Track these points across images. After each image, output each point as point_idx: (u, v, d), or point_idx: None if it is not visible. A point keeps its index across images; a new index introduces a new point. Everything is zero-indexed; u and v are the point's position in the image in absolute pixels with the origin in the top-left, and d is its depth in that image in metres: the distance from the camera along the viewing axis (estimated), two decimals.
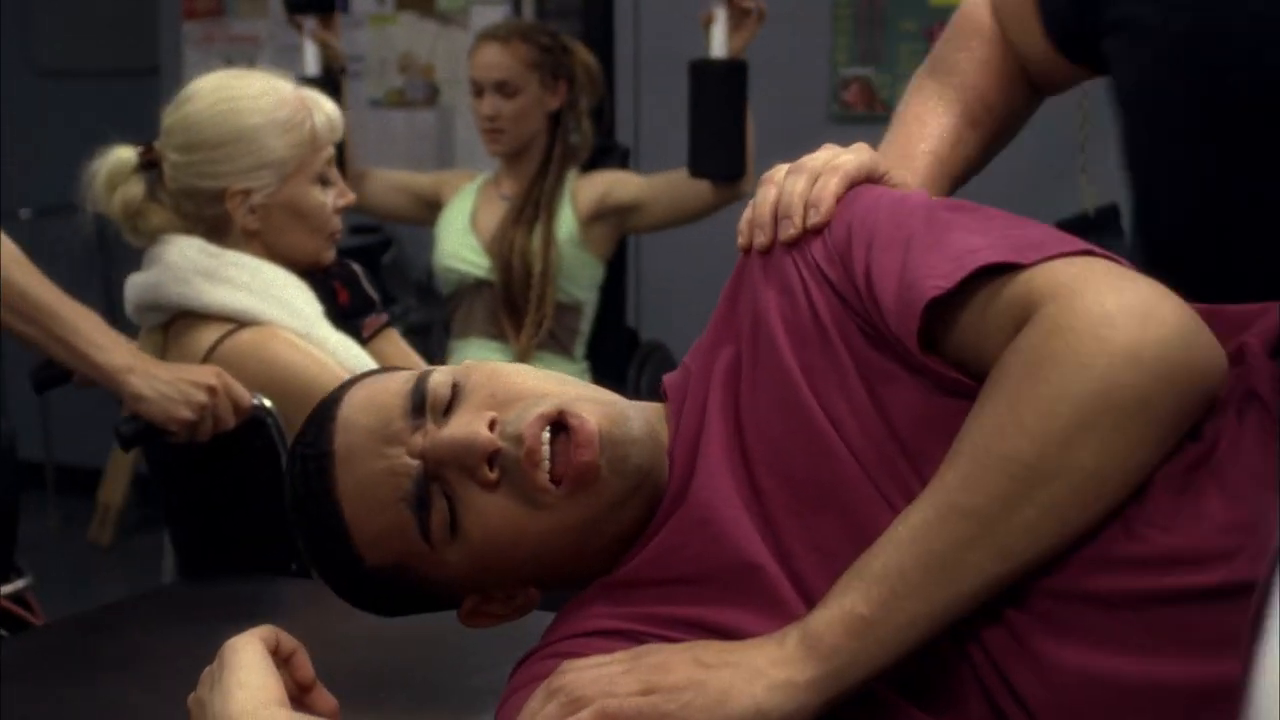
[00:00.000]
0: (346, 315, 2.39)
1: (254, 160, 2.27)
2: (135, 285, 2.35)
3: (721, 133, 3.21)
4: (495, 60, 3.50)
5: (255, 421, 2.14)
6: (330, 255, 2.39)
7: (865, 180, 1.35)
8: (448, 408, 1.29)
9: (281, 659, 1.28)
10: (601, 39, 4.03)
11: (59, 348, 2.03)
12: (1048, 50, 1.61)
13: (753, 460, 1.28)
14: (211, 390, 2.07)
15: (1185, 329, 1.13)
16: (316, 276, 2.37)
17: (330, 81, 3.37)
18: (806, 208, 1.31)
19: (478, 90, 3.54)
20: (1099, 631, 1.12)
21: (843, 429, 1.24)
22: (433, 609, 1.38)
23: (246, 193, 2.28)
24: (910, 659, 1.14)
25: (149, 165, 2.34)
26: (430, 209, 3.70)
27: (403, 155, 4.97)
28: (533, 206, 3.47)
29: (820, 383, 1.26)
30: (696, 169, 3.28)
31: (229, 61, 5.35)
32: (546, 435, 1.26)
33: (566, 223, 3.47)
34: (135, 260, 6.24)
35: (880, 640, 1.13)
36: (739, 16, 3.16)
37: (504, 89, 3.49)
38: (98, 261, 6.33)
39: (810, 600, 1.20)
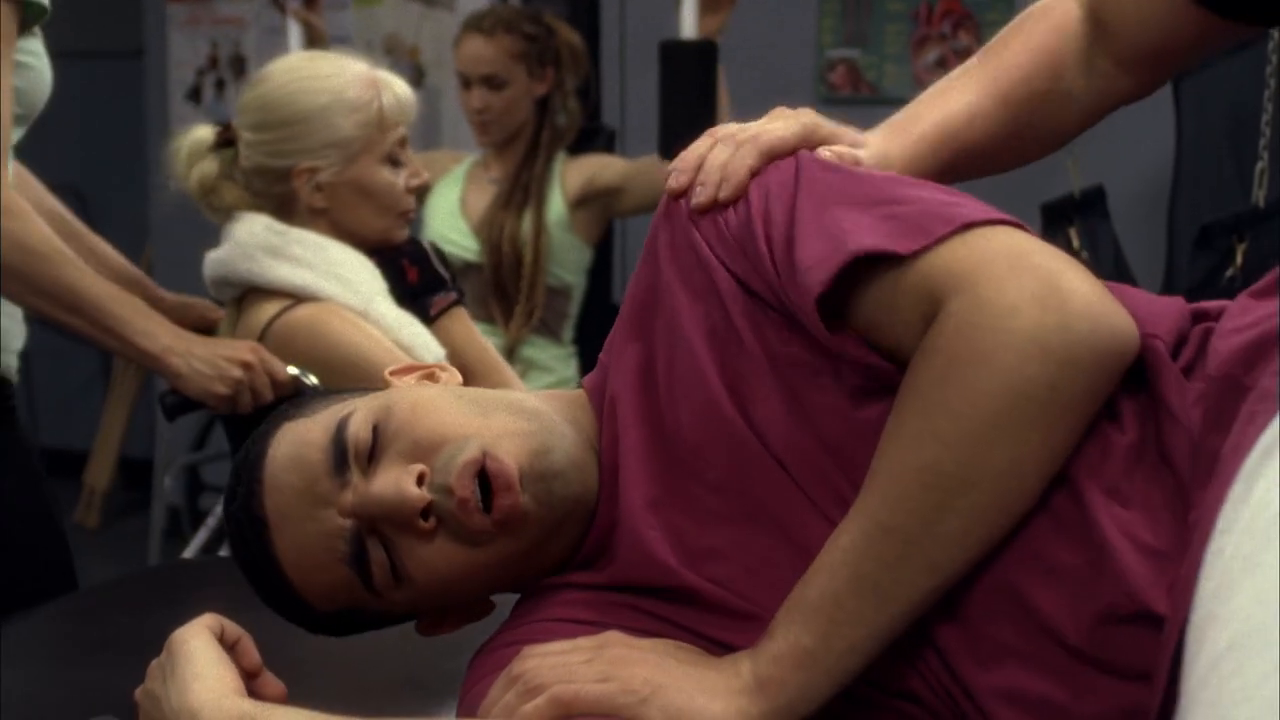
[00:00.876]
0: (415, 293, 2.41)
1: (320, 139, 2.31)
2: (210, 261, 2.40)
3: (691, 116, 3.20)
4: (481, 54, 3.49)
5: (296, 395, 2.18)
6: (402, 234, 2.43)
7: (791, 152, 1.30)
8: (371, 453, 1.27)
9: (227, 647, 1.27)
10: (587, 20, 4.03)
11: (106, 336, 2.08)
12: (1185, 15, 1.46)
13: (677, 470, 1.27)
14: (246, 366, 2.14)
15: (1089, 305, 1.11)
16: (386, 254, 2.40)
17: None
18: (720, 181, 1.28)
19: (465, 83, 3.54)
20: (1028, 656, 1.12)
21: (767, 438, 1.22)
22: (393, 624, 1.38)
23: (313, 171, 2.32)
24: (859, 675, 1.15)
25: (225, 144, 2.39)
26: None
27: None
28: (522, 190, 3.47)
29: (742, 388, 1.24)
30: (667, 153, 3.27)
31: (214, 44, 5.34)
32: (475, 491, 1.24)
33: (555, 207, 3.47)
34: (123, 242, 6.27)
35: (826, 670, 1.13)
36: None
37: (492, 82, 3.49)
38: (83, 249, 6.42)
39: (749, 609, 1.22)
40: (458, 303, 2.47)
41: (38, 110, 2.12)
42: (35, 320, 5.66)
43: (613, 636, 1.21)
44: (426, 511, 1.23)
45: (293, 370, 2.19)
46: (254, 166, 2.36)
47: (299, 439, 1.31)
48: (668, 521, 1.27)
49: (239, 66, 5.32)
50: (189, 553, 4.13)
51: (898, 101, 3.70)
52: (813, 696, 1.13)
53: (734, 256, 1.26)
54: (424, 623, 1.36)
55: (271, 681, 1.29)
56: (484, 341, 2.49)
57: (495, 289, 3.45)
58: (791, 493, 1.22)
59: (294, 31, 3.51)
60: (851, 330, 1.20)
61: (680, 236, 1.30)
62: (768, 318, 1.23)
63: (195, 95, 5.41)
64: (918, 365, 1.13)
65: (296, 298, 2.28)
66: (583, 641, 1.21)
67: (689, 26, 3.21)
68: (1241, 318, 1.16)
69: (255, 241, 2.32)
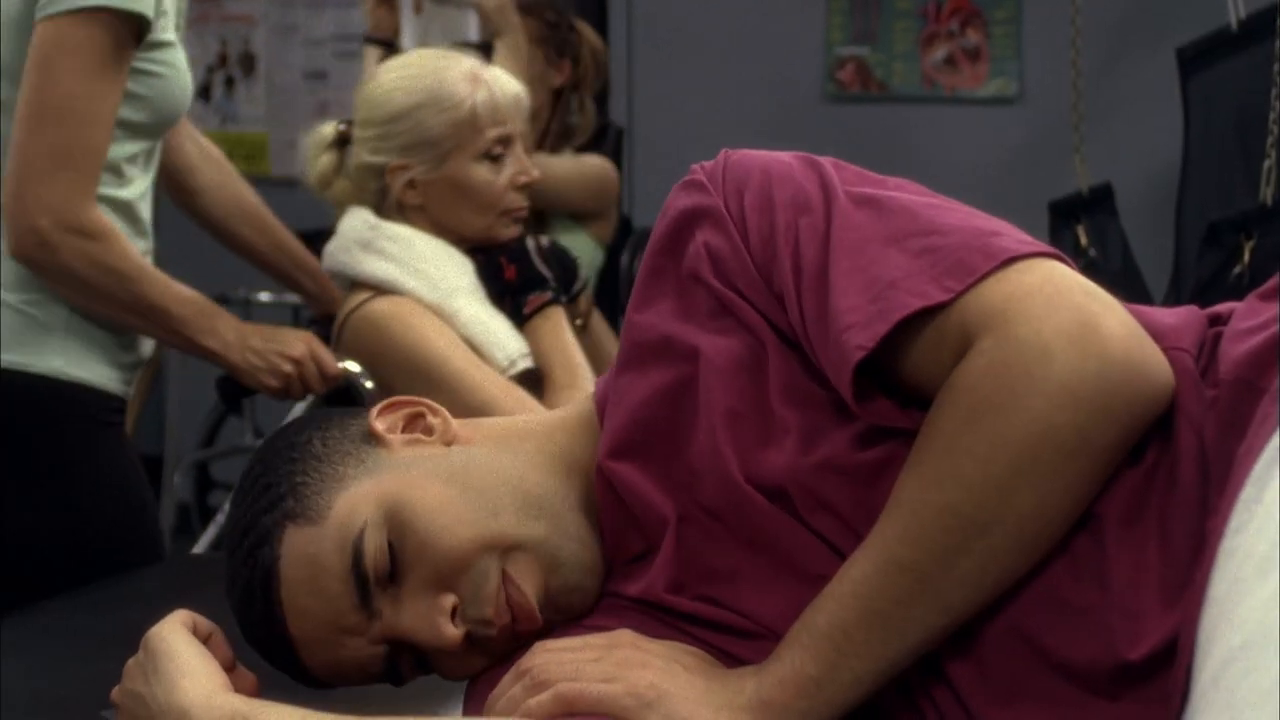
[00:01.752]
0: (513, 291, 2.44)
1: (412, 138, 2.35)
2: (324, 253, 2.49)
3: None
4: None
5: (348, 386, 2.31)
6: (508, 231, 2.45)
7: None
8: (392, 574, 1.27)
9: (200, 640, 1.28)
10: (596, 18, 4.06)
11: (174, 338, 2.20)
12: None
13: (683, 496, 1.28)
14: (297, 360, 2.24)
15: (1128, 351, 1.09)
16: (487, 252, 2.43)
17: None
18: None
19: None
20: (1042, 696, 1.12)
21: (768, 473, 1.22)
22: None
23: (405, 168, 2.36)
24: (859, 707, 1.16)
25: (342, 139, 2.45)
26: None
27: None
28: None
29: (752, 431, 1.24)
30: None
31: (223, 41, 5.37)
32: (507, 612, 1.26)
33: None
34: None
35: (829, 700, 1.13)
36: None
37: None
38: None
39: (757, 630, 1.23)
40: (553, 302, 2.48)
41: (169, 118, 2.21)
42: None
43: (623, 636, 1.22)
44: (463, 643, 1.25)
45: (345, 365, 2.27)
46: (358, 162, 2.42)
47: (312, 562, 1.28)
48: (681, 550, 1.27)
49: (248, 64, 5.38)
50: (198, 549, 4.16)
51: (906, 99, 3.74)
52: None
53: (754, 286, 1.25)
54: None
55: (244, 673, 1.30)
56: (571, 344, 2.49)
57: None
58: (791, 526, 1.22)
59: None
60: (896, 373, 1.18)
61: (689, 275, 1.29)
62: (789, 355, 1.23)
63: (205, 93, 5.45)
64: (944, 403, 1.12)
65: (379, 290, 2.34)
66: (594, 640, 1.22)
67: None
68: (1251, 319, 1.16)
69: (351, 235, 2.39)
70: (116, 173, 2.11)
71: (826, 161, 1.29)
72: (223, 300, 4.24)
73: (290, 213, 4.88)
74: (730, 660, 1.23)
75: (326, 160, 2.46)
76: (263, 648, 1.31)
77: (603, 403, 1.35)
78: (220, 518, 4.10)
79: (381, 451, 1.32)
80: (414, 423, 1.38)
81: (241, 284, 4.44)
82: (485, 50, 3.16)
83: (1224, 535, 0.97)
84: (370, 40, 3.53)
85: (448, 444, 1.35)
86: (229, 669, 1.27)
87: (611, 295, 3.70)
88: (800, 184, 1.25)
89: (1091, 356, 1.07)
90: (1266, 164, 3.33)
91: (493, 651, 1.27)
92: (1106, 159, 4.01)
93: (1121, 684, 1.08)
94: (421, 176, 2.36)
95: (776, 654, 1.16)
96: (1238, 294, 3.19)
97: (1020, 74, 4.43)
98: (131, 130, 2.11)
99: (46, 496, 2.09)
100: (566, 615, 1.29)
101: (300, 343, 2.27)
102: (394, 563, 1.25)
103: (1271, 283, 1.20)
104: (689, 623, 1.26)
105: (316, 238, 4.72)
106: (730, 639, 1.24)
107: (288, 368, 2.25)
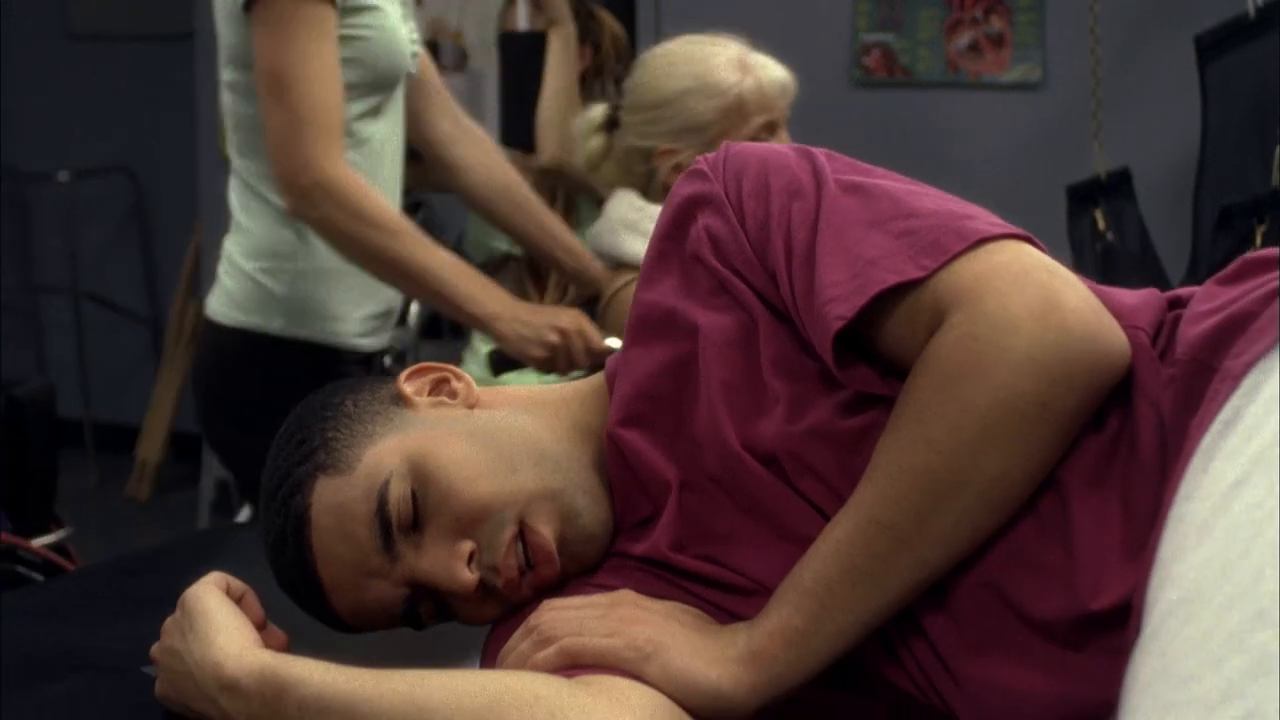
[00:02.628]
0: None
1: (679, 123, 2.42)
2: (589, 234, 2.57)
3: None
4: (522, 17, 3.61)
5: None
6: None
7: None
8: (414, 521, 1.35)
9: (234, 600, 1.36)
10: (624, 7, 4.11)
11: (438, 301, 2.33)
12: None
13: (688, 463, 1.35)
14: (563, 333, 2.31)
15: (1086, 324, 1.17)
16: None
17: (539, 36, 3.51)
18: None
19: None
20: (1013, 646, 1.19)
21: (762, 442, 1.30)
22: None
23: (672, 153, 2.42)
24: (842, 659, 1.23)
25: (612, 123, 2.52)
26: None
27: None
28: (556, 179, 3.55)
29: (749, 400, 1.32)
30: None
31: None
32: (518, 558, 1.34)
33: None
34: (173, 221, 6.40)
35: (814, 650, 1.21)
36: None
37: None
38: (133, 222, 6.53)
39: (751, 587, 1.31)
40: None
41: (387, 76, 2.36)
42: (89, 299, 5.82)
43: (625, 595, 1.30)
44: (478, 590, 1.34)
45: (610, 342, 2.31)
46: (626, 146, 2.48)
47: (341, 510, 1.37)
48: (683, 511, 1.35)
49: None
50: (239, 519, 4.26)
51: (931, 85, 3.81)
52: (799, 672, 1.21)
53: (750, 266, 1.33)
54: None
55: (274, 631, 1.38)
56: None
57: (531, 273, 3.54)
58: (782, 491, 1.30)
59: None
60: (876, 345, 1.26)
61: (692, 256, 1.37)
62: (781, 331, 1.32)
63: None
64: (919, 373, 1.20)
65: None
66: (597, 599, 1.30)
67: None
68: (1208, 303, 1.23)
69: (618, 217, 2.46)
70: (349, 133, 2.27)
71: (819, 152, 1.37)
72: None
73: None
74: (726, 616, 1.31)
75: (596, 143, 2.52)
76: (294, 592, 1.41)
77: (612, 375, 1.43)
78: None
79: (408, 411, 1.42)
80: (439, 387, 1.47)
81: None
82: (534, 41, 3.25)
83: (1174, 503, 1.05)
84: None
85: (470, 407, 1.44)
86: (260, 627, 1.35)
87: None
88: (794, 172, 1.34)
89: (1052, 329, 1.15)
90: (1278, 150, 3.36)
91: (506, 600, 1.36)
92: (1126, 144, 4.01)
93: (1087, 634, 1.15)
94: (688, 161, 2.38)
95: (766, 609, 1.24)
96: None
97: (1044, 60, 4.42)
98: (352, 91, 2.26)
99: None
100: (580, 565, 1.37)
101: (568, 317, 2.33)
102: (416, 511, 1.34)
103: (1230, 268, 1.28)
104: (689, 580, 1.34)
105: None
106: (726, 595, 1.32)
107: (554, 338, 2.30)
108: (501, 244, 3.60)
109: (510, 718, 1.14)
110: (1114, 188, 3.83)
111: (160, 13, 6.22)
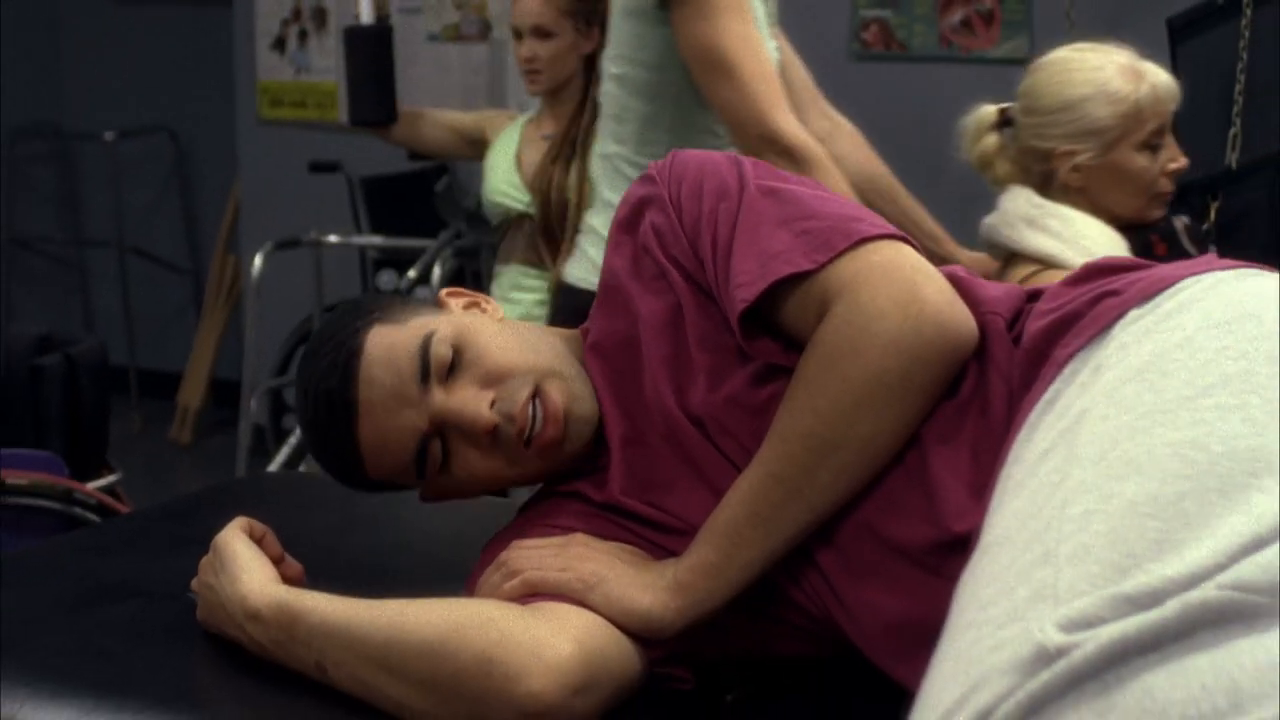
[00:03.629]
0: None
1: (1079, 127, 2.56)
2: (982, 225, 2.69)
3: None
4: (532, 7, 3.72)
5: None
6: (1157, 212, 2.65)
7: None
8: (450, 369, 1.56)
9: (256, 539, 1.57)
10: None
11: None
12: None
13: (638, 422, 1.58)
14: None
15: (939, 312, 1.38)
16: (1137, 230, 2.63)
17: (382, 29, 3.67)
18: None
19: (517, 34, 3.75)
20: (886, 575, 1.40)
21: (692, 408, 1.53)
22: (405, 489, 1.69)
23: (1071, 154, 2.57)
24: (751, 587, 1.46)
25: (1004, 123, 2.68)
26: (475, 146, 3.93)
27: (458, 87, 5.14)
28: (570, 145, 3.65)
29: (681, 370, 1.54)
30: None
31: None
32: (532, 411, 1.55)
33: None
34: (213, 179, 6.70)
35: (727, 580, 1.44)
36: None
37: (540, 33, 3.69)
38: (175, 180, 6.68)
39: (683, 527, 1.53)
40: None
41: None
42: (134, 252, 6.07)
43: (578, 538, 1.53)
44: (492, 433, 1.56)
45: None
46: (1022, 146, 2.63)
47: (391, 343, 1.56)
48: (630, 457, 1.59)
49: (320, 19, 5.53)
50: (272, 468, 4.48)
51: (925, 59, 4.06)
52: (716, 598, 1.45)
53: (686, 255, 1.56)
54: (427, 492, 1.67)
55: (291, 564, 1.60)
56: None
57: (544, 234, 3.66)
58: (707, 448, 1.54)
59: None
60: (778, 324, 1.49)
61: (641, 247, 1.61)
62: (708, 312, 1.55)
63: (280, 45, 5.62)
64: (808, 352, 1.43)
65: (1044, 264, 2.53)
66: (555, 540, 1.54)
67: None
68: (1052, 301, 1.45)
69: (1017, 212, 2.59)
70: (715, 134, 2.43)
71: (747, 160, 1.61)
72: (294, 243, 4.60)
73: (357, 159, 5.18)
74: (662, 551, 1.54)
75: (990, 142, 2.67)
76: (324, 423, 1.58)
77: (584, 333, 1.68)
78: (293, 440, 4.42)
79: (447, 313, 1.65)
80: (472, 306, 1.70)
81: (312, 227, 4.63)
82: None
83: (1004, 465, 1.27)
84: None
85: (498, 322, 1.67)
86: (278, 561, 1.58)
87: None
88: (724, 177, 1.58)
89: (912, 317, 1.37)
90: (1231, 131, 3.47)
91: (510, 454, 1.56)
92: None
93: (944, 560, 1.34)
94: (1086, 162, 2.55)
95: (689, 548, 1.47)
96: (1204, 250, 3.36)
97: (1030, 37, 4.48)
98: None
99: None
100: (572, 444, 1.58)
101: None
102: (453, 363, 1.55)
103: (1077, 271, 1.50)
104: (634, 520, 1.58)
105: (385, 183, 4.99)
106: (662, 534, 1.56)
107: None
108: (517, 202, 3.74)
109: (470, 635, 1.37)
110: None
111: None
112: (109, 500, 2.90)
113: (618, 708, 1.43)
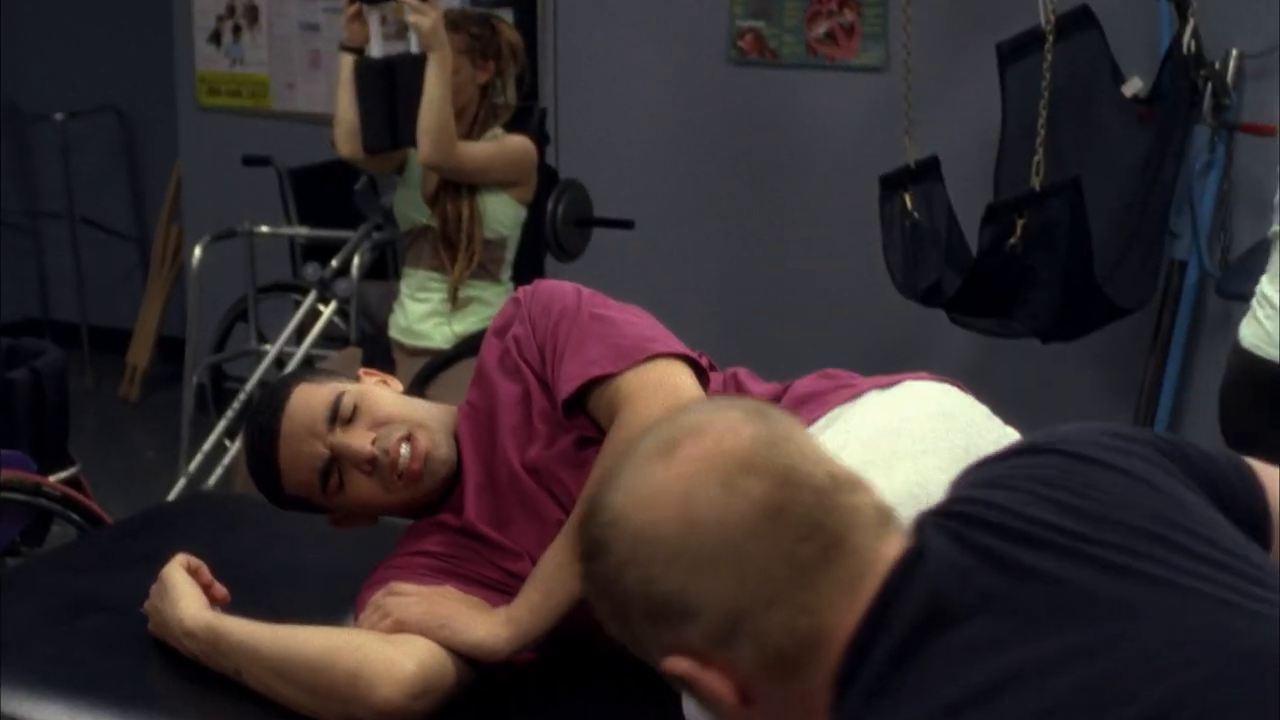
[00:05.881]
0: None
1: None
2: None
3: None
4: None
5: None
6: None
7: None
8: (350, 417, 2.04)
9: (191, 572, 2.01)
10: (527, 18, 4.49)
11: None
12: None
13: (491, 472, 2.06)
14: None
15: (676, 405, 1.76)
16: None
17: (387, 63, 3.87)
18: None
19: None
20: None
21: (531, 463, 2.00)
22: (319, 512, 2.15)
23: None
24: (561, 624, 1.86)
25: None
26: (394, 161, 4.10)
27: None
28: None
29: (526, 435, 2.01)
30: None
31: None
32: (401, 452, 2.03)
33: None
34: (157, 156, 6.88)
35: (548, 613, 1.87)
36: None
37: None
38: (123, 156, 6.95)
39: (525, 553, 1.99)
40: None
41: None
42: (84, 222, 6.25)
43: (442, 591, 1.95)
44: (370, 464, 2.04)
45: None
46: None
47: (311, 394, 2.03)
48: (483, 496, 2.07)
49: (252, 15, 5.76)
50: (214, 434, 4.65)
51: (794, 66, 4.57)
52: (540, 628, 1.88)
53: (534, 357, 2.03)
54: (335, 519, 2.16)
55: (218, 588, 2.05)
56: None
57: (445, 244, 3.94)
58: (539, 491, 2.02)
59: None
60: (590, 409, 1.94)
61: (505, 349, 2.07)
62: (549, 396, 2.01)
63: (216, 38, 5.86)
64: (606, 442, 1.86)
65: None
66: (423, 589, 1.96)
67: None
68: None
69: None
70: None
71: (587, 292, 2.09)
72: (229, 234, 4.81)
73: (287, 146, 5.43)
74: (501, 571, 2.00)
75: None
76: (258, 447, 2.03)
77: (460, 408, 2.17)
78: (230, 413, 4.71)
79: (360, 383, 2.12)
80: (381, 383, 2.18)
81: (245, 218, 4.86)
82: (423, 60, 3.70)
83: None
84: (344, 48, 3.91)
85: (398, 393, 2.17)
86: (208, 587, 2.05)
87: (535, 239, 4.24)
88: (568, 303, 2.07)
89: (656, 410, 1.80)
90: (1035, 158, 3.82)
91: (383, 480, 2.01)
92: (931, 136, 4.34)
93: None
94: None
95: (521, 591, 1.90)
96: (1011, 263, 3.78)
97: (886, 48, 4.68)
98: None
99: None
100: (429, 480, 2.03)
101: None
102: (353, 414, 2.02)
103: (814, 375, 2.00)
104: (482, 543, 2.04)
105: (310, 173, 5.24)
106: (503, 556, 2.02)
107: None
108: (420, 216, 3.98)
109: (342, 655, 1.85)
110: (923, 174, 4.16)
111: None
112: (72, 492, 3.19)
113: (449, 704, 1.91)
